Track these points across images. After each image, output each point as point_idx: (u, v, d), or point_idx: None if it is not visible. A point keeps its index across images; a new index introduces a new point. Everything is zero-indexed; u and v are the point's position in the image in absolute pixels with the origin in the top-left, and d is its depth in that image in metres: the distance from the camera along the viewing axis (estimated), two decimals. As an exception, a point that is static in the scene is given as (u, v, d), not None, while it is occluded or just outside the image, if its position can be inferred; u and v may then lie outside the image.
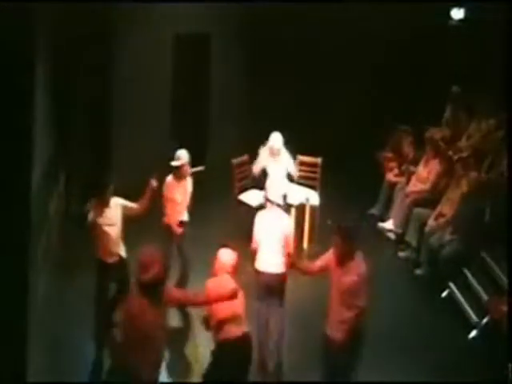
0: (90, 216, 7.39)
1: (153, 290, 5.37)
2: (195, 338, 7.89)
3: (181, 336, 7.95)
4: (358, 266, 6.37)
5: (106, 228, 7.43)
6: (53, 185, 9.07)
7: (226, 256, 6.30)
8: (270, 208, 7.45)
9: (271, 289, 7.20)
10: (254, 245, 7.35)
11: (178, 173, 8.30)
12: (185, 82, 12.08)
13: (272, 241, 7.25)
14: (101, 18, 10.38)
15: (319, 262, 6.72)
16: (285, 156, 9.89)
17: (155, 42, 11.23)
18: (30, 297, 6.28)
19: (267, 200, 7.49)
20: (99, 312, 7.60)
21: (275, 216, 7.36)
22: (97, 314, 7.61)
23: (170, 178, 8.34)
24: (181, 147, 8.49)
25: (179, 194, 8.35)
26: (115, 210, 7.51)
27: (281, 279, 7.27)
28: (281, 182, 8.45)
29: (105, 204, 7.43)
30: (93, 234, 7.49)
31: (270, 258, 7.27)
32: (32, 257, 6.56)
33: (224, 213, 10.35)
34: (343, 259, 6.36)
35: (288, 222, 7.54)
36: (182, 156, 8.33)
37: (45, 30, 7.90)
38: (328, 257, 6.58)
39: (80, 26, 9.80)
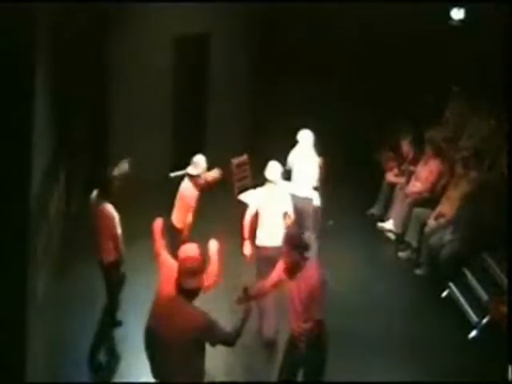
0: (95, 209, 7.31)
1: (194, 296, 5.30)
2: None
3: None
4: (310, 276, 5.98)
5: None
6: (53, 185, 9.07)
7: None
8: (268, 186, 7.90)
9: (273, 263, 6.79)
10: (247, 218, 7.88)
11: (196, 180, 8.09)
12: (185, 82, 12.08)
13: (273, 216, 7.63)
14: (101, 18, 10.39)
15: (270, 279, 6.39)
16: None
17: (155, 42, 11.23)
18: (30, 296, 6.28)
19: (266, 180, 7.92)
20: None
21: (274, 193, 7.81)
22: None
23: (190, 188, 8.10)
24: (181, 147, 8.45)
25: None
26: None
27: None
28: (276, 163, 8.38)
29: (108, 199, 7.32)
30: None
31: (272, 232, 7.48)
32: (32, 256, 6.56)
33: (224, 213, 10.35)
34: (292, 270, 6.05)
35: (287, 198, 7.94)
36: (201, 162, 8.12)
37: (45, 30, 7.90)
38: (279, 269, 6.28)
39: (80, 26, 9.80)
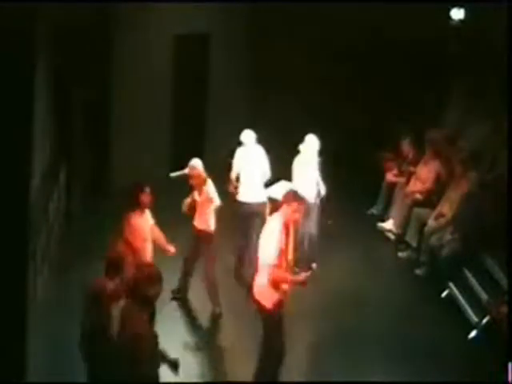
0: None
1: (151, 303, 5.35)
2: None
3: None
4: None
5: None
6: (53, 185, 9.07)
7: None
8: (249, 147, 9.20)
9: (253, 218, 8.39)
10: (233, 175, 9.16)
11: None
12: (185, 82, 12.07)
13: (253, 174, 8.98)
14: (101, 19, 10.39)
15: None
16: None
17: (155, 43, 11.23)
18: (30, 296, 6.28)
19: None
20: None
21: (255, 153, 9.18)
22: None
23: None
24: (181, 147, 8.47)
25: None
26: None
27: (262, 208, 8.77)
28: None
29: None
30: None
31: (252, 189, 8.89)
32: (31, 256, 6.57)
33: (223, 213, 10.34)
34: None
35: (265, 159, 9.22)
36: (197, 165, 8.22)
37: (45, 31, 7.90)
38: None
39: (80, 26, 9.80)
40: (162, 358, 5.64)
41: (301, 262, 8.79)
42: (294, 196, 6.77)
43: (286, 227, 6.67)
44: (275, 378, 6.86)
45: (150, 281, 5.22)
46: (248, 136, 9.31)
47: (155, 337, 5.29)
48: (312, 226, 9.36)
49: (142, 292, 5.20)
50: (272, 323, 6.64)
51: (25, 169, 5.65)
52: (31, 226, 6.29)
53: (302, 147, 9.45)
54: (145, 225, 7.34)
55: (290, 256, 6.80)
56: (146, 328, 5.20)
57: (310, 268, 8.97)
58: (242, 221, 9.12)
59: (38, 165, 7.14)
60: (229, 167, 9.47)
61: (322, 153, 9.82)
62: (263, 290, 6.59)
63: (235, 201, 9.15)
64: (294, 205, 6.68)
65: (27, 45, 5.44)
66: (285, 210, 6.69)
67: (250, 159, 9.22)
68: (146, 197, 7.26)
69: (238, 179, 9.26)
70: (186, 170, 8.22)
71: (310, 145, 9.40)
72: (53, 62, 9.01)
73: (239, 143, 9.38)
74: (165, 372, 5.86)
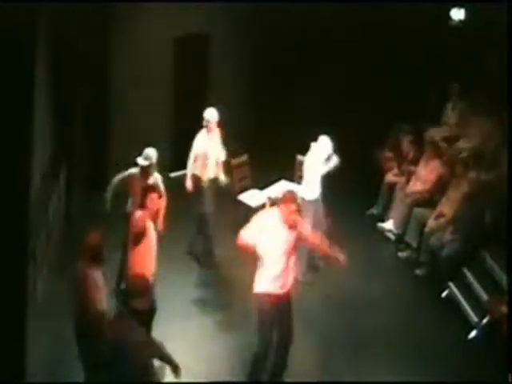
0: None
1: (146, 317, 5.40)
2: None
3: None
4: None
5: None
6: (52, 185, 9.07)
7: None
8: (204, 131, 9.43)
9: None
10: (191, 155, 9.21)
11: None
12: (185, 82, 12.07)
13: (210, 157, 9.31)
14: (101, 19, 10.39)
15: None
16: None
17: (155, 42, 11.23)
18: (30, 296, 6.28)
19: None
20: None
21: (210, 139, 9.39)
22: None
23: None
24: (181, 148, 8.47)
25: None
26: None
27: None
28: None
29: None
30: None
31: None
32: (32, 256, 6.57)
33: (224, 213, 10.34)
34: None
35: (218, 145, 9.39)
36: (151, 154, 8.27)
37: (45, 30, 7.90)
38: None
39: (80, 26, 9.80)
40: (167, 361, 5.68)
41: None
42: (290, 197, 6.75)
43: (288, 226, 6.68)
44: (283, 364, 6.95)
45: (137, 293, 5.31)
46: (211, 115, 9.40)
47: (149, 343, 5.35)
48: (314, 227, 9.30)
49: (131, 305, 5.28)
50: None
51: (25, 169, 5.65)
52: (31, 225, 6.29)
53: (313, 146, 9.38)
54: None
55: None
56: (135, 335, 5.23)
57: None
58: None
59: (37, 165, 7.14)
60: (229, 167, 9.50)
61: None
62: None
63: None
64: (292, 206, 6.67)
65: (27, 45, 5.44)
66: (283, 210, 6.69)
67: (211, 145, 9.38)
68: (152, 202, 7.26)
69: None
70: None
71: (321, 146, 9.31)
72: (53, 62, 9.00)
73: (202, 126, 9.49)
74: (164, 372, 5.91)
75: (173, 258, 8.89)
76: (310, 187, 9.21)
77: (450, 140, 11.07)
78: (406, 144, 11.28)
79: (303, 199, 8.59)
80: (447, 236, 9.33)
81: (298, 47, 12.81)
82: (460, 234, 9.17)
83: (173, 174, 9.72)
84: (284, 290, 6.80)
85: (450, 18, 11.68)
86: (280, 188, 9.57)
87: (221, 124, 9.59)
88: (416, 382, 7.31)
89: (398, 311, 8.77)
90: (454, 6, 11.62)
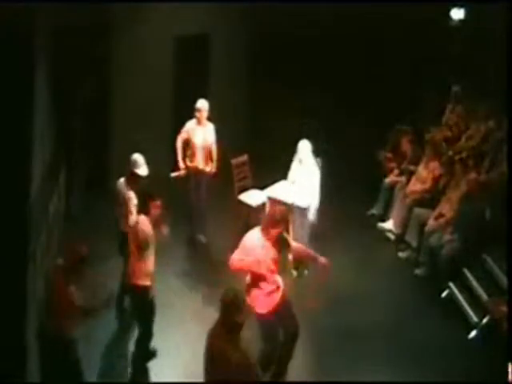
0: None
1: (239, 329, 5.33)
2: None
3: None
4: None
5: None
6: (53, 185, 9.07)
7: None
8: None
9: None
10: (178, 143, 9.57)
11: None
12: (185, 82, 12.07)
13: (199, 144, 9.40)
14: (101, 18, 10.38)
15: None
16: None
17: (155, 42, 11.23)
18: (30, 297, 6.28)
19: None
20: None
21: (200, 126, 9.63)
22: None
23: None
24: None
25: None
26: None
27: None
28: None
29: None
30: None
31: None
32: (32, 257, 6.56)
33: (224, 213, 10.35)
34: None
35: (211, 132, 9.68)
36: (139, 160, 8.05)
37: (45, 30, 7.89)
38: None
39: (80, 25, 9.79)
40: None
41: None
42: (273, 203, 6.79)
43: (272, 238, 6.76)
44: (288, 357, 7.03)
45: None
46: (202, 104, 9.63)
47: None
48: (303, 234, 9.22)
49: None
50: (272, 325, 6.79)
51: (25, 169, 5.66)
52: (31, 226, 6.29)
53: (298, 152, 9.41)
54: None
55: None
56: None
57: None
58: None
59: (37, 165, 7.14)
60: (228, 167, 9.50)
61: (322, 153, 9.81)
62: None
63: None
64: (276, 229, 6.72)
65: (27, 45, 5.44)
66: (265, 233, 6.74)
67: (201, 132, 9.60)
68: (155, 208, 7.13)
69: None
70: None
71: (303, 149, 9.33)
72: (53, 61, 9.00)
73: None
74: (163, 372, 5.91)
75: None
76: (302, 193, 9.23)
77: (450, 140, 11.07)
78: (406, 144, 11.28)
79: (293, 204, 8.69)
80: (447, 236, 9.33)
81: (297, 47, 12.81)
82: (460, 234, 9.17)
83: (173, 174, 9.71)
84: (279, 297, 6.86)
85: (449, 17, 11.69)
86: (280, 188, 9.56)
87: (221, 124, 9.56)
88: (416, 382, 7.31)
89: (397, 311, 8.77)
90: (454, 5, 11.63)
